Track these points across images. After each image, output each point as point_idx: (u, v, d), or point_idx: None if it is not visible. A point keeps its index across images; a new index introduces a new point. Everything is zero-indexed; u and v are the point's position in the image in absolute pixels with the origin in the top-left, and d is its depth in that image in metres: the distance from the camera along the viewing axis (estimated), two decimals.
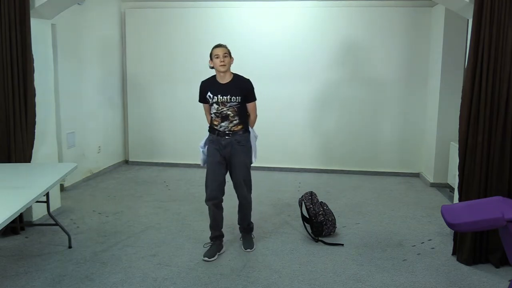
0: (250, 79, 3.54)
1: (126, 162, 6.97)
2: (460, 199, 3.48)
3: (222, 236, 3.66)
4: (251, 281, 3.14)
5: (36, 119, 3.99)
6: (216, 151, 3.46)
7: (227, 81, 3.45)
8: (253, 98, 3.54)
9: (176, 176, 6.20)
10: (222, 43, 3.52)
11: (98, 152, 6.18)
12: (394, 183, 5.94)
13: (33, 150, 4.02)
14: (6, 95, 3.80)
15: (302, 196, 4.16)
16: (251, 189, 3.65)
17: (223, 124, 3.45)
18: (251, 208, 3.72)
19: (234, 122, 3.45)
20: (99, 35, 6.10)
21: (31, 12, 3.92)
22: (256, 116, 3.64)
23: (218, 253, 3.54)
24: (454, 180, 4.64)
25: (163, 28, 6.53)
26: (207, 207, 3.60)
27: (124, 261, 3.42)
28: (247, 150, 3.51)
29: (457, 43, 5.40)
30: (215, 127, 3.48)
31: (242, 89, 3.45)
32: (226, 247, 3.70)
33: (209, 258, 3.46)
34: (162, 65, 6.61)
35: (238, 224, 3.78)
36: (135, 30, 6.62)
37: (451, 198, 5.16)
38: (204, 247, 3.66)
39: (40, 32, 4.22)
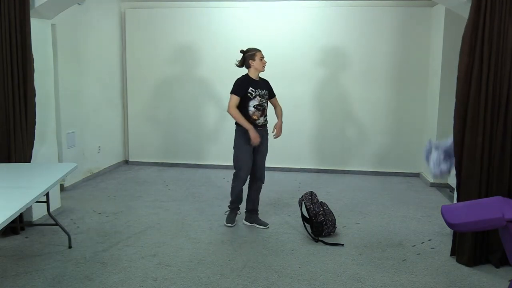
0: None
1: (126, 162, 6.97)
2: (458, 199, 3.48)
3: (239, 208, 4.39)
4: (251, 281, 3.14)
5: (36, 119, 3.99)
6: (249, 140, 4.00)
7: (258, 79, 4.12)
8: (274, 93, 4.30)
9: (176, 176, 6.20)
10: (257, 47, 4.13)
11: (98, 152, 6.18)
12: (394, 183, 5.94)
13: (33, 150, 4.02)
14: (6, 95, 3.80)
15: (302, 196, 4.16)
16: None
17: (261, 118, 4.09)
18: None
19: (266, 116, 4.16)
20: (99, 35, 6.10)
21: (31, 12, 3.92)
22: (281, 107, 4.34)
23: (236, 218, 4.30)
24: (454, 180, 4.63)
25: (163, 28, 6.53)
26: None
27: (124, 261, 3.43)
28: (268, 138, 4.25)
29: (457, 43, 5.37)
30: (254, 121, 4.04)
31: (267, 85, 4.22)
32: (226, 247, 3.71)
33: (231, 224, 4.23)
34: (162, 65, 6.61)
35: (250, 208, 4.24)
36: (135, 30, 6.62)
37: (451, 198, 5.16)
38: (225, 214, 4.41)
39: (40, 32, 4.22)
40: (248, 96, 3.98)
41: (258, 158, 4.16)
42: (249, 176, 4.21)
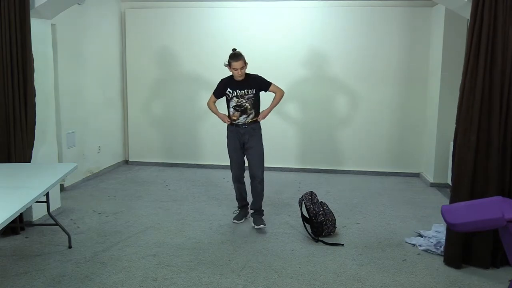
0: (258, 74, 4.23)
1: (126, 162, 6.97)
2: (451, 199, 3.45)
3: (247, 204, 4.43)
4: (251, 281, 3.14)
5: (36, 119, 3.99)
6: (235, 139, 4.19)
7: (242, 78, 4.11)
8: (267, 83, 4.21)
9: (176, 176, 6.19)
10: (237, 50, 4.06)
11: (98, 152, 6.18)
12: (394, 183, 5.94)
13: (33, 150, 4.02)
14: (6, 95, 3.80)
15: (302, 196, 4.16)
16: (263, 169, 4.25)
17: (241, 118, 4.14)
18: (263, 190, 4.26)
19: (251, 115, 4.14)
20: (99, 35, 6.10)
21: (31, 12, 3.92)
22: (281, 92, 4.24)
23: (244, 218, 4.38)
24: None
25: (163, 28, 6.53)
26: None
27: (124, 261, 3.43)
28: (260, 135, 4.22)
29: (457, 43, 5.40)
30: (234, 121, 4.15)
31: (255, 83, 4.14)
32: (226, 247, 3.72)
33: (238, 221, 4.31)
34: (162, 65, 6.61)
35: (251, 208, 4.29)
36: (135, 30, 6.61)
37: None
38: (233, 213, 4.48)
39: (40, 32, 4.22)
40: (227, 98, 4.16)
41: (249, 156, 4.22)
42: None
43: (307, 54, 6.27)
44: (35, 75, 3.95)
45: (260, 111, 4.24)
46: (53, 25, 4.70)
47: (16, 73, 3.80)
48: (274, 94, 4.25)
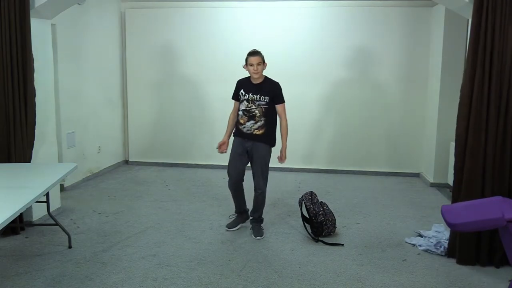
0: (279, 83, 3.95)
1: (126, 162, 6.97)
2: (456, 200, 3.46)
3: (246, 211, 4.21)
4: (251, 281, 3.14)
5: (36, 119, 3.99)
6: (240, 144, 3.96)
7: (259, 82, 3.90)
8: (281, 99, 3.94)
9: (176, 176, 6.19)
10: (256, 49, 3.87)
11: (98, 152, 6.18)
12: (394, 183, 5.94)
13: (33, 150, 4.02)
14: (6, 95, 3.80)
15: (302, 196, 4.17)
16: (266, 181, 4.02)
17: (248, 123, 3.90)
18: (264, 200, 4.07)
19: (259, 123, 3.88)
20: (99, 35, 6.10)
21: (31, 12, 3.92)
22: (286, 121, 3.99)
23: (240, 224, 4.17)
24: None
25: (163, 28, 6.53)
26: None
27: (124, 261, 3.43)
28: (267, 147, 3.95)
29: (457, 43, 5.40)
30: (240, 127, 3.94)
31: (271, 90, 3.89)
32: (226, 247, 3.71)
33: (229, 229, 4.10)
34: (162, 65, 6.61)
35: (250, 216, 4.14)
36: (135, 30, 6.61)
37: (451, 198, 5.15)
38: (229, 218, 4.34)
39: (40, 32, 4.22)
40: (240, 99, 3.98)
41: (252, 165, 3.99)
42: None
43: (306, 55, 6.26)
44: (35, 75, 3.94)
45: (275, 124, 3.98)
46: (53, 25, 4.70)
47: (16, 73, 3.80)
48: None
